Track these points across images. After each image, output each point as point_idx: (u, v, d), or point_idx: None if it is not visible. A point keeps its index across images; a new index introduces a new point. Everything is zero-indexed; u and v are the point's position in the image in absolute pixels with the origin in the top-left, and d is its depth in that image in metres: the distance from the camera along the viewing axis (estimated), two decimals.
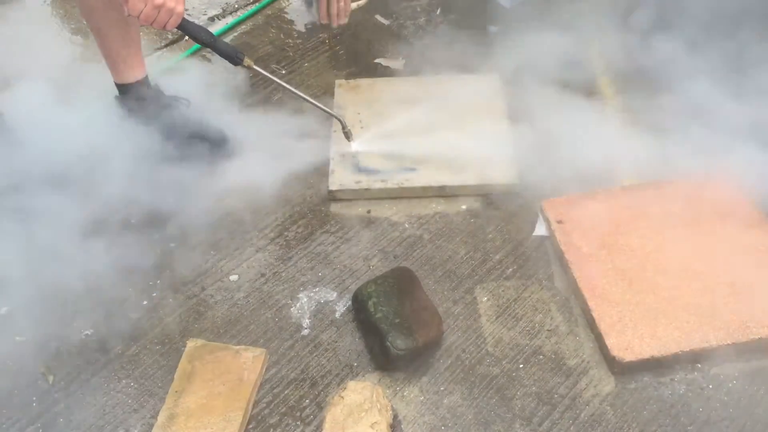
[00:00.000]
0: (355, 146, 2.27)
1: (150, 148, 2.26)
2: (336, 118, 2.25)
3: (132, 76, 2.25)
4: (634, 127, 2.32)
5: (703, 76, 2.38)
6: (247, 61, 2.04)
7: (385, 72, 2.65)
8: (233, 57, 2.03)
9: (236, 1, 3.02)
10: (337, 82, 2.55)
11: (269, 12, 2.95)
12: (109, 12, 2.08)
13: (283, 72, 2.65)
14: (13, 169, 2.20)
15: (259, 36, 2.83)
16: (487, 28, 2.79)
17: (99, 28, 2.15)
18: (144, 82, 2.28)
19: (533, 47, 2.62)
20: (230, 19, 2.92)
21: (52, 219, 2.09)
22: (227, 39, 2.82)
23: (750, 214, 2.00)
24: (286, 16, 2.93)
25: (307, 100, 2.18)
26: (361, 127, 2.36)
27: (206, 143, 2.30)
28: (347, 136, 2.25)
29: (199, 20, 2.92)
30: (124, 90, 2.28)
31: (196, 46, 2.76)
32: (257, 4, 2.99)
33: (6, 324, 1.91)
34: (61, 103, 2.39)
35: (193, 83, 2.53)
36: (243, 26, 2.88)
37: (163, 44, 2.81)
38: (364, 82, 2.55)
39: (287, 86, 2.16)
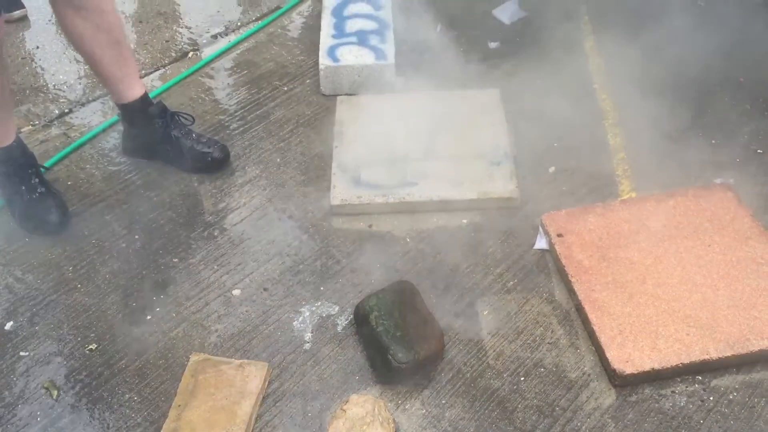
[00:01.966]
0: None
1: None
2: None
3: (132, 95, 2.26)
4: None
5: None
6: None
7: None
8: None
9: (239, 19, 3.06)
10: (339, 98, 2.57)
11: (271, 30, 2.99)
12: (99, 35, 2.09)
13: (285, 88, 2.68)
14: None
15: (261, 53, 2.86)
16: (488, 43, 2.82)
17: (92, 54, 2.14)
18: (145, 98, 2.30)
19: (532, 62, 2.65)
20: (233, 37, 2.95)
21: None
22: (230, 56, 2.86)
23: (748, 226, 2.01)
24: (288, 33, 2.96)
25: None
26: (363, 143, 2.38)
27: (209, 157, 2.33)
28: None
29: (203, 38, 2.96)
30: (126, 109, 2.30)
31: (200, 63, 2.80)
32: (259, 22, 3.02)
33: (10, 340, 1.93)
34: None
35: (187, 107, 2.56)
36: (246, 44, 2.92)
37: (167, 61, 2.84)
38: (365, 98, 2.58)
39: None
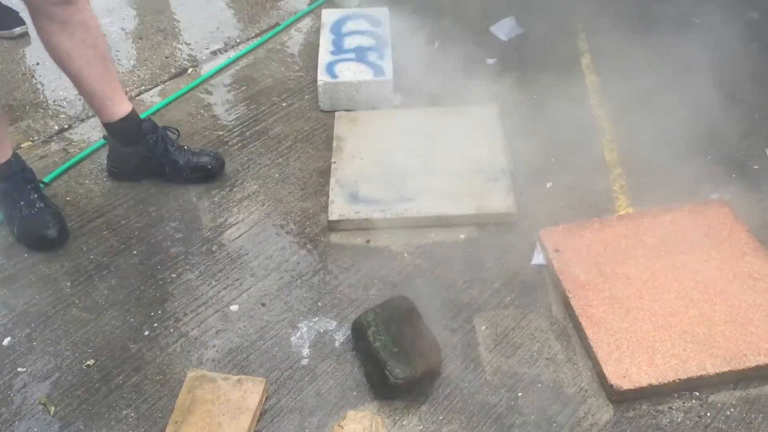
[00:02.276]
0: None
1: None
2: None
3: (122, 111, 2.25)
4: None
5: None
6: None
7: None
8: None
9: (238, 35, 3.08)
10: (337, 114, 2.59)
11: (270, 46, 3.01)
12: (85, 51, 2.07)
13: (284, 104, 2.70)
14: None
15: (260, 69, 2.88)
16: (485, 59, 2.84)
17: (79, 71, 2.11)
18: (134, 114, 2.29)
19: (529, 78, 2.67)
20: (232, 53, 2.97)
21: None
22: (229, 72, 2.88)
23: (744, 242, 2.02)
24: (287, 49, 2.98)
25: None
26: (361, 158, 2.39)
27: (206, 164, 2.37)
28: None
29: (202, 54, 2.98)
30: (117, 127, 2.27)
31: (200, 79, 2.81)
32: (259, 38, 3.04)
33: (8, 355, 1.93)
34: None
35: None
36: (245, 60, 2.93)
37: (166, 77, 2.86)
38: (363, 113, 2.59)
39: None
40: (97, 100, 2.21)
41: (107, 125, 2.29)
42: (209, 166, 2.36)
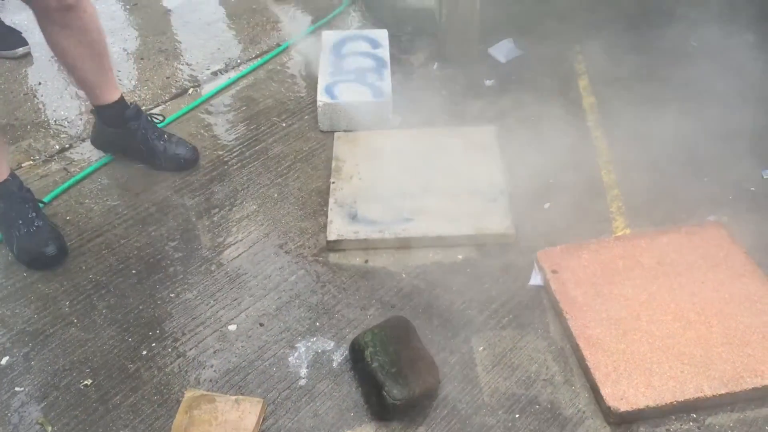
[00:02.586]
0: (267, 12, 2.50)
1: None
2: None
3: (109, 98, 2.39)
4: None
5: None
6: None
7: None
8: None
9: (239, 56, 3.11)
10: (336, 134, 2.61)
11: (271, 67, 3.03)
12: (80, 49, 2.20)
13: (284, 124, 2.72)
14: None
15: (260, 90, 2.91)
16: (483, 81, 2.87)
17: (74, 65, 2.26)
18: (121, 102, 2.42)
19: (527, 99, 2.70)
20: (233, 74, 3.00)
21: None
22: (230, 92, 2.90)
23: (741, 264, 2.03)
24: (287, 70, 3.01)
25: None
26: (360, 179, 2.41)
27: (180, 155, 2.49)
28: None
29: (203, 75, 3.01)
30: (103, 110, 2.42)
31: (200, 99, 2.83)
32: (259, 59, 3.07)
33: (5, 375, 1.93)
34: None
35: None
36: (245, 80, 2.96)
37: (167, 97, 2.89)
38: (362, 134, 2.61)
39: None
40: (87, 87, 2.36)
41: (94, 106, 2.44)
42: (182, 159, 2.51)
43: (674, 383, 1.76)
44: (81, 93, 2.86)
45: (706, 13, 2.87)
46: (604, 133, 2.58)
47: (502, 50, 3.00)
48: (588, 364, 1.83)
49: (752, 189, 2.34)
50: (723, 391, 1.74)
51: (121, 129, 2.45)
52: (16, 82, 2.99)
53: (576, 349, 1.89)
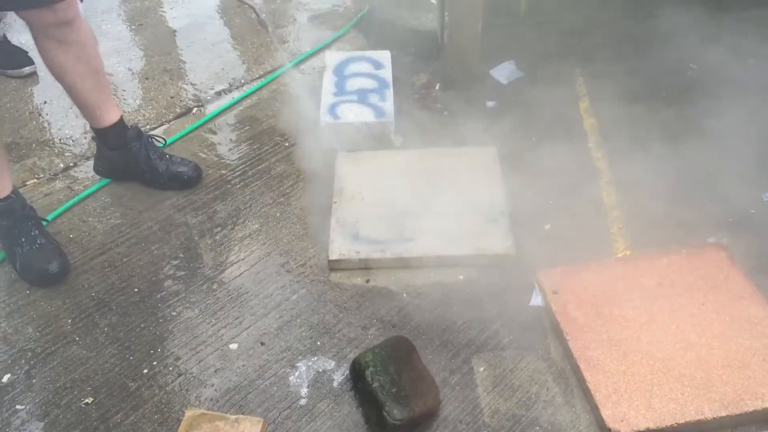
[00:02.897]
0: (272, 33, 2.49)
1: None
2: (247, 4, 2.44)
3: (108, 120, 2.40)
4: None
5: None
6: None
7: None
8: None
9: (242, 76, 3.14)
10: (339, 154, 2.62)
11: (274, 87, 3.06)
12: (79, 66, 2.22)
13: (287, 144, 2.74)
14: None
15: (264, 110, 2.93)
16: (485, 102, 2.89)
17: (74, 83, 2.26)
18: (122, 122, 2.44)
19: (528, 121, 2.72)
20: (236, 94, 3.02)
21: None
22: (233, 112, 2.93)
23: (741, 286, 2.03)
24: (290, 90, 3.04)
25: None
26: (362, 198, 2.42)
27: (183, 173, 2.52)
28: (262, 24, 2.48)
29: (207, 95, 3.04)
30: (104, 133, 2.43)
31: (204, 119, 2.86)
32: (262, 79, 3.10)
33: (7, 392, 1.93)
34: None
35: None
36: (249, 100, 2.99)
37: (171, 117, 2.91)
38: (364, 154, 2.63)
39: None
40: (88, 109, 2.36)
41: (95, 130, 2.44)
42: (185, 176, 2.53)
43: (675, 405, 1.76)
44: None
45: (704, 34, 2.90)
46: (605, 155, 2.59)
47: (504, 72, 3.03)
48: (588, 385, 1.83)
49: (752, 211, 2.35)
50: (724, 414, 1.74)
51: (123, 150, 2.47)
52: (21, 100, 3.02)
53: (576, 370, 1.89)
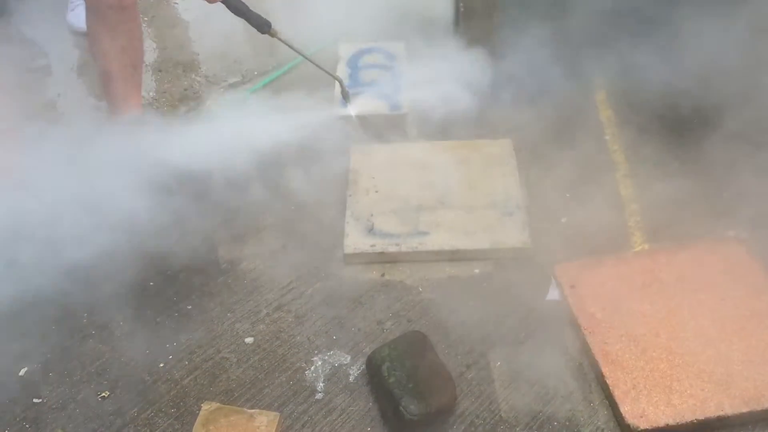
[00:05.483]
0: (351, 110, 2.56)
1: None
2: (335, 77, 2.57)
3: (128, 113, 2.40)
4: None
5: None
6: (273, 31, 2.31)
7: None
8: (261, 26, 2.29)
9: (256, 68, 3.12)
10: (353, 147, 2.60)
11: (287, 78, 3.04)
12: (121, 56, 2.22)
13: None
14: None
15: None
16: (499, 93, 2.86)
17: (109, 72, 2.27)
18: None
19: (544, 113, 2.69)
20: (250, 86, 3.01)
21: None
22: None
23: (761, 280, 2.01)
24: (304, 83, 3.01)
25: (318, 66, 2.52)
26: (376, 192, 2.41)
27: None
28: (345, 96, 2.53)
29: (220, 86, 3.03)
30: (120, 120, 2.41)
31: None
32: (276, 71, 3.08)
33: (24, 385, 1.94)
34: None
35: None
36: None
37: (184, 110, 2.90)
38: (379, 147, 2.61)
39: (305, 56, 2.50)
40: (112, 98, 2.36)
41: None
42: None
43: (694, 401, 1.75)
44: (101, 105, 2.89)
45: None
46: (622, 147, 2.57)
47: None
48: (607, 381, 1.81)
49: None
50: (744, 410, 1.72)
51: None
52: (35, 93, 3.01)
53: (594, 366, 1.88)
